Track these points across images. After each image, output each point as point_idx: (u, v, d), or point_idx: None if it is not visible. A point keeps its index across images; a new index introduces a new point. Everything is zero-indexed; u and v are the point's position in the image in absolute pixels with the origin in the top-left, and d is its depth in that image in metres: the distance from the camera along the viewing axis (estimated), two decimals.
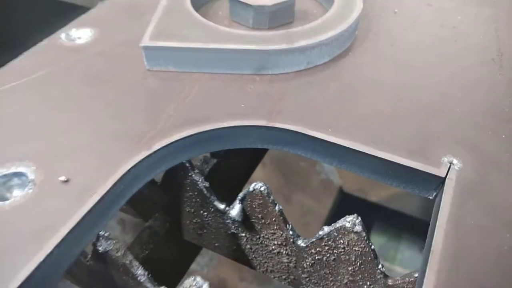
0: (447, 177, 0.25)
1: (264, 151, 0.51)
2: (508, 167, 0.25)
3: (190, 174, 0.31)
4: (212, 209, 0.33)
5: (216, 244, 0.37)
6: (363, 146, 0.26)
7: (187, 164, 0.31)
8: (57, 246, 0.22)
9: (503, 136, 0.27)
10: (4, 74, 0.32)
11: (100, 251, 0.26)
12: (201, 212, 0.34)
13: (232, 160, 0.44)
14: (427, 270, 0.21)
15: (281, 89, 0.31)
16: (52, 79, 0.32)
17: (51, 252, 0.21)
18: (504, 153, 0.26)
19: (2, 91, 0.31)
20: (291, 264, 0.33)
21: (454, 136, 0.27)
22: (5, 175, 0.25)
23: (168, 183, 0.33)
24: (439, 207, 0.24)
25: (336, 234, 0.28)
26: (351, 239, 0.27)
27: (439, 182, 0.25)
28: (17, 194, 0.24)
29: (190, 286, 0.23)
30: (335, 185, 1.13)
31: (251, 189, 0.29)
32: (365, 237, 0.27)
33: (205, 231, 0.36)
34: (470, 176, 0.25)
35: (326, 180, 1.15)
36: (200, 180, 0.31)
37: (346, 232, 0.27)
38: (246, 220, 0.32)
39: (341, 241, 0.28)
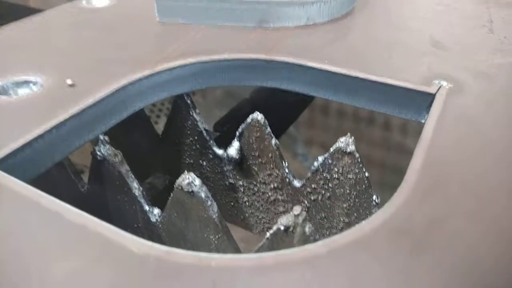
0: (437, 92, 0.25)
1: None
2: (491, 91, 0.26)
3: (191, 113, 0.32)
4: (211, 156, 0.34)
5: None
6: (358, 72, 0.27)
7: (189, 101, 0.32)
8: (56, 127, 0.23)
9: (493, 70, 0.28)
10: (26, 21, 0.35)
11: (98, 159, 0.26)
12: (200, 162, 0.35)
13: None
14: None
15: (282, 36, 0.33)
16: (69, 26, 0.35)
17: (50, 130, 0.22)
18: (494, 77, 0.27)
19: (22, 26, 0.34)
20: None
21: (444, 67, 0.28)
22: (16, 81, 0.27)
23: (169, 130, 0.34)
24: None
25: (331, 161, 0.28)
26: (345, 164, 0.27)
27: (430, 101, 0.26)
28: (24, 92, 0.26)
29: (183, 180, 0.24)
30: None
31: (249, 120, 0.30)
32: (359, 159, 0.27)
33: None
34: (457, 93, 0.25)
35: None
36: (200, 120, 0.32)
37: (340, 156, 0.27)
38: (243, 163, 0.32)
39: (336, 169, 0.28)
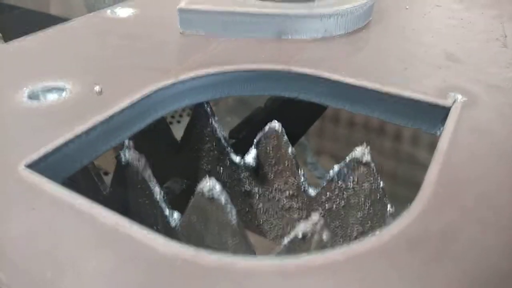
0: (453, 105, 0.26)
1: None
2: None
3: (210, 121, 0.33)
4: (228, 162, 0.35)
5: None
6: (375, 84, 0.28)
7: (209, 110, 0.33)
8: (85, 132, 0.24)
9: (507, 83, 0.29)
10: (53, 30, 0.37)
11: (122, 163, 0.27)
12: (217, 169, 0.36)
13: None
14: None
15: (299, 47, 0.34)
16: (95, 35, 0.36)
17: (80, 135, 0.23)
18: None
19: (50, 34, 0.35)
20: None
21: (459, 80, 0.29)
22: (45, 87, 0.28)
23: (188, 136, 0.36)
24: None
25: (346, 171, 0.29)
26: (361, 174, 0.28)
27: (445, 113, 0.26)
28: (54, 98, 0.27)
29: (204, 185, 0.25)
30: None
31: (266, 128, 0.31)
32: (374, 169, 0.27)
33: None
34: (472, 106, 0.26)
35: None
36: (219, 128, 0.33)
37: (355, 165, 0.28)
38: (259, 170, 0.33)
39: (351, 179, 0.29)
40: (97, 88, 0.27)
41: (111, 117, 0.25)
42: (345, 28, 0.36)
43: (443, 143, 0.23)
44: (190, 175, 0.38)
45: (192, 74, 0.30)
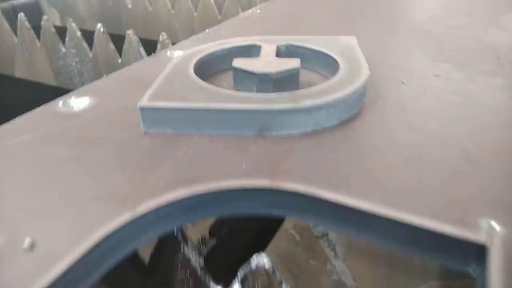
0: (490, 242, 0.20)
1: (272, 231, 0.47)
2: None
3: (182, 249, 0.27)
4: None
5: None
6: (385, 208, 0.23)
7: (180, 238, 0.27)
8: None
9: None
10: None
11: None
12: None
13: (235, 241, 0.40)
14: None
15: (287, 149, 0.28)
16: (37, 142, 0.30)
17: None
18: None
19: None
20: None
21: (487, 196, 0.23)
22: None
23: (156, 263, 0.29)
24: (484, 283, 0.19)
25: None
26: None
27: (479, 250, 0.21)
28: None
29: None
30: (348, 287, 1.04)
31: (253, 266, 0.24)
32: None
33: None
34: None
35: (338, 282, 1.06)
36: (194, 257, 0.27)
37: None
38: None
39: None
40: (27, 241, 0.21)
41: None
42: (338, 118, 0.31)
43: None
44: None
45: (154, 202, 0.24)
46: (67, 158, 0.28)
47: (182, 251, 0.27)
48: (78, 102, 0.36)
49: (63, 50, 0.81)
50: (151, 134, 0.30)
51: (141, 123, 0.30)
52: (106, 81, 0.39)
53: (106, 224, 0.22)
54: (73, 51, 0.79)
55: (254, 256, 0.25)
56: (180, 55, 0.38)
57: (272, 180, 0.25)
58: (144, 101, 0.30)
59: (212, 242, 0.39)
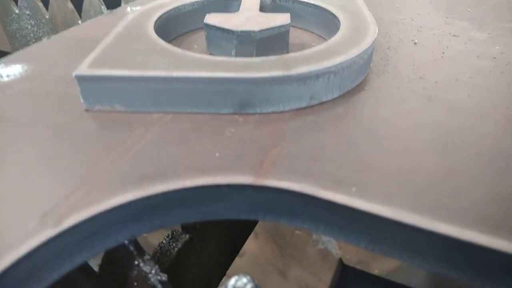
0: None
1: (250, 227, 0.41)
2: None
3: (136, 262, 0.20)
4: None
5: None
6: (406, 213, 0.16)
7: (131, 248, 0.20)
8: None
9: None
10: None
11: None
12: None
13: (211, 241, 0.33)
14: None
15: (275, 132, 0.21)
16: None
17: None
18: None
19: None
20: None
21: None
22: None
23: (107, 276, 0.22)
24: None
25: None
26: None
27: None
28: None
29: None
30: (334, 256, 1.02)
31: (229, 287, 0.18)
32: None
33: None
34: None
35: (324, 251, 1.04)
36: (152, 271, 0.20)
37: None
38: None
39: None
40: None
41: None
42: (339, 89, 0.24)
43: None
44: None
45: (91, 211, 0.17)
46: None
47: (137, 265, 0.20)
48: (9, 70, 0.28)
49: (16, 11, 0.70)
50: (94, 112, 0.23)
51: (81, 98, 0.23)
52: (46, 45, 0.31)
53: (16, 249, 0.15)
54: (28, 12, 0.69)
55: (233, 278, 0.19)
56: (138, 10, 0.30)
57: (255, 175, 0.18)
58: (83, 69, 0.22)
59: (185, 237, 0.32)
